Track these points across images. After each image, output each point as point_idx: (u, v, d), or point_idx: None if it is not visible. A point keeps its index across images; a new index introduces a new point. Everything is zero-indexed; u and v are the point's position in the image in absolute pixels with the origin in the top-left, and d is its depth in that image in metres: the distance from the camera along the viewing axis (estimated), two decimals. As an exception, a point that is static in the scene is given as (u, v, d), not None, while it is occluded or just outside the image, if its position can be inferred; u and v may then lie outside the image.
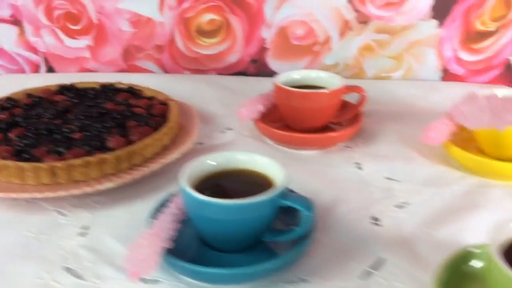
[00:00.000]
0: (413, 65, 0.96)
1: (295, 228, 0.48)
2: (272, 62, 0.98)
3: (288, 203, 0.46)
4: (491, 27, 0.92)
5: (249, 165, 0.52)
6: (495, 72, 0.96)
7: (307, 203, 0.47)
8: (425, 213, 0.57)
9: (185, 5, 0.93)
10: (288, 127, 0.74)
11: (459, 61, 0.95)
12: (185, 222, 0.50)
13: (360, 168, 0.67)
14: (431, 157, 0.69)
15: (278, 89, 0.73)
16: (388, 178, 0.64)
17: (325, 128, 0.74)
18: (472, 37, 0.94)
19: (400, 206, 0.59)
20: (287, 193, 0.48)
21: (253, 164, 0.51)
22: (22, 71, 1.02)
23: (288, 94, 0.72)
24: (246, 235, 0.48)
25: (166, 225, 0.46)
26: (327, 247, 0.52)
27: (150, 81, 0.86)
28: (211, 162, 0.51)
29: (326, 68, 0.96)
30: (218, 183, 0.50)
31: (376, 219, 0.56)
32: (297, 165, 0.68)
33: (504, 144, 0.64)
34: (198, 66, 0.99)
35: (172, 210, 0.48)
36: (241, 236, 0.48)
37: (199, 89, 0.92)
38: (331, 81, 0.74)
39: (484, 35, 0.93)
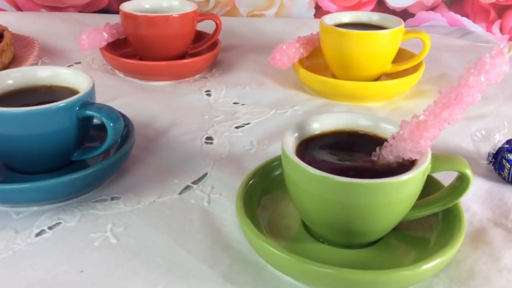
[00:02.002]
0: (285, 1, 0.94)
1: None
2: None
3: (88, 111, 0.42)
4: (359, -40, 0.91)
5: (52, 80, 0.46)
6: (368, 9, 0.96)
7: (113, 113, 0.43)
8: (262, 131, 0.55)
9: None
10: (142, 60, 0.70)
11: (330, -3, 0.94)
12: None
13: (209, 95, 0.64)
14: (283, 83, 0.67)
15: (125, 16, 0.67)
16: (235, 103, 0.62)
17: (181, 59, 0.70)
18: (342, -28, 0.93)
19: (239, 127, 0.56)
20: (91, 103, 0.43)
21: (57, 78, 0.46)
22: None
23: (134, 21, 0.67)
24: (49, 152, 0.43)
25: None
26: (149, 166, 0.48)
27: (1, 19, 0.77)
28: (7, 79, 0.45)
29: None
30: (15, 103, 0.44)
31: (210, 138, 0.53)
32: (143, 95, 0.63)
33: (350, 65, 0.63)
34: (55, 3, 0.91)
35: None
36: (44, 154, 0.43)
37: (54, 27, 0.85)
38: (183, 8, 0.70)
39: (353, -31, 0.92)
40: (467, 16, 0.99)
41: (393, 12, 0.96)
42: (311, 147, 0.37)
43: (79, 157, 0.45)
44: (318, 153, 0.36)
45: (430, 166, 0.35)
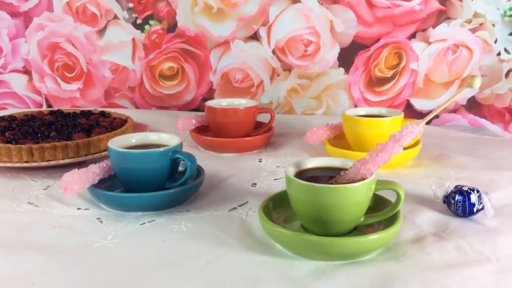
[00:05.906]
0: (331, 104, 1.21)
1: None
2: (221, 102, 1.24)
3: (177, 155, 0.69)
4: (388, 74, 1.18)
5: (158, 141, 0.75)
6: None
7: (191, 157, 0.70)
8: (291, 181, 0.79)
9: (151, 56, 1.23)
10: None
11: (366, 101, 1.20)
12: (114, 177, 0.73)
13: (260, 161, 0.90)
14: (314, 155, 0.91)
15: (208, 109, 0.98)
16: (278, 166, 0.87)
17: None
18: (374, 82, 1.19)
19: (277, 179, 0.81)
20: (179, 151, 0.71)
21: (161, 140, 0.75)
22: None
23: (214, 112, 0.97)
24: (151, 180, 0.70)
25: (94, 170, 0.69)
26: (210, 196, 0.74)
27: (125, 113, 1.12)
28: (131, 139, 0.75)
29: (262, 106, 1.21)
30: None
31: (255, 184, 0.78)
32: (215, 160, 0.91)
33: (363, 143, 0.87)
34: (162, 104, 1.26)
35: (101, 164, 0.71)
36: (148, 181, 0.70)
37: (161, 119, 1.18)
38: (248, 104, 1.00)
39: (383, 80, 1.19)
40: (485, 117, 1.19)
41: (419, 113, 1.20)
42: (303, 174, 0.61)
43: (169, 185, 0.71)
44: (307, 177, 0.60)
45: (375, 185, 0.57)
